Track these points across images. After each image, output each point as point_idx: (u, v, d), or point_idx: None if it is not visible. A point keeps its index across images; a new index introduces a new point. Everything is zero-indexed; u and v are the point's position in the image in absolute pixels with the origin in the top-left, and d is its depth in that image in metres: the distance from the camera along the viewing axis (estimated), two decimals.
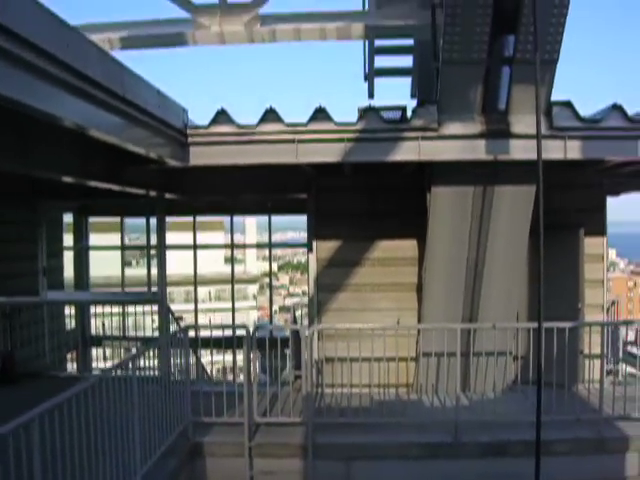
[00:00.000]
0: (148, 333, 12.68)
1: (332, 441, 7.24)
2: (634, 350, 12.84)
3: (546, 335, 7.22)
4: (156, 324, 12.65)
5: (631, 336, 21.96)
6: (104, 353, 13.14)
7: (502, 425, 7.32)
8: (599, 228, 9.23)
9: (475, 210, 7.64)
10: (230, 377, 15.27)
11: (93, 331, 12.99)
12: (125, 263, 15.65)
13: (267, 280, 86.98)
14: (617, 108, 7.03)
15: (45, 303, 10.62)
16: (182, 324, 12.27)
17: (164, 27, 7.54)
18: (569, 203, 8.73)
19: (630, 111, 7.05)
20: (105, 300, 11.85)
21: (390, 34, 7.67)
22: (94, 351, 13.16)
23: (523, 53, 6.57)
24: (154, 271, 11.90)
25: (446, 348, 7.50)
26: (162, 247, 10.23)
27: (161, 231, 10.19)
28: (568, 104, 7.07)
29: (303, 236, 10.06)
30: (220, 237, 40.21)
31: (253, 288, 64.09)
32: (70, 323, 12.50)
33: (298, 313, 15.29)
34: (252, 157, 7.07)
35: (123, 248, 16.03)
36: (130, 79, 5.35)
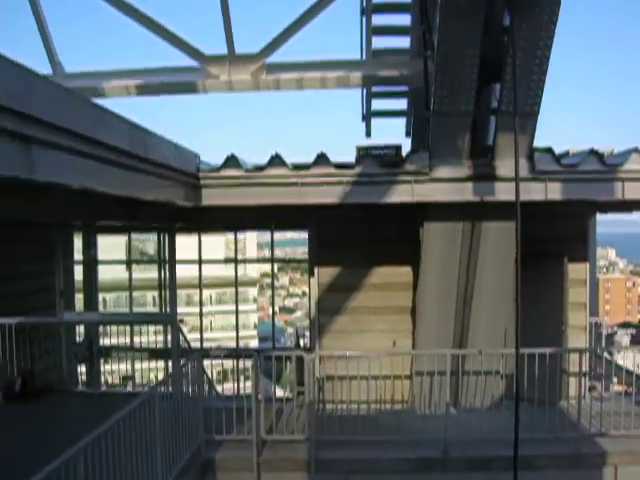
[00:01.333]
0: (152, 344, 13.49)
1: (332, 456, 7.95)
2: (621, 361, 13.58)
3: (529, 357, 8.00)
4: (161, 336, 13.49)
5: (626, 340, 22.42)
6: (111, 366, 13.91)
7: (488, 441, 7.99)
8: (582, 255, 9.94)
9: (464, 244, 8.36)
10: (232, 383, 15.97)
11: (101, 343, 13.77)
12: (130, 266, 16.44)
13: (267, 280, 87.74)
14: (593, 153, 7.76)
15: (63, 324, 11.32)
16: (184, 328, 13.02)
17: (176, 75, 8.26)
18: (554, 234, 9.40)
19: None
20: (119, 321, 12.54)
21: (385, 82, 8.37)
22: (103, 364, 13.94)
23: (507, 105, 7.26)
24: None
25: (437, 368, 8.25)
26: (173, 268, 10.91)
27: (172, 255, 10.87)
28: (549, 150, 7.79)
29: (303, 236, 10.74)
30: (222, 240, 41.05)
31: (253, 290, 64.83)
32: (79, 336, 13.24)
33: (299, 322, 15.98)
34: (259, 198, 7.79)
35: (130, 262, 16.76)
36: (151, 140, 6.06)
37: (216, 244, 32.48)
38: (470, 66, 6.92)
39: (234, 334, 14.03)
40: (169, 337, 13.41)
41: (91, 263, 14.73)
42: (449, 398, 8.67)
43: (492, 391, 9.24)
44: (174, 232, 10.75)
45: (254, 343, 49.39)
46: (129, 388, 13.01)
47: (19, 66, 3.65)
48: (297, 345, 13.95)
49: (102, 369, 14.29)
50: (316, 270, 9.94)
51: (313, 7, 7.46)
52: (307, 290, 10.54)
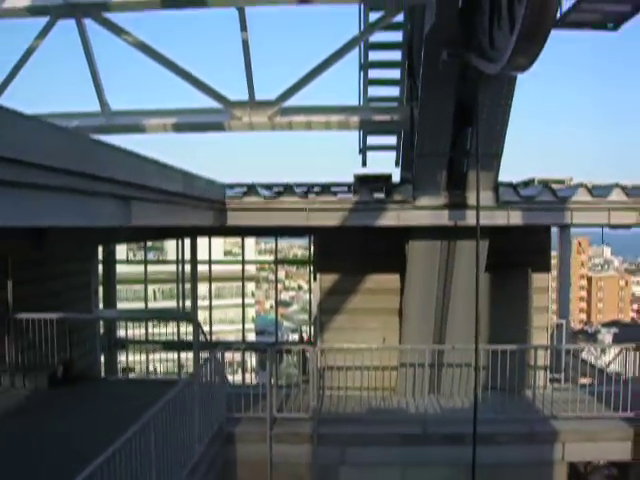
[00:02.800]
0: (165, 336, 15.37)
1: (331, 431, 9.83)
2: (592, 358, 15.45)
3: (498, 352, 9.90)
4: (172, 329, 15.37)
5: (609, 338, 24.37)
6: (127, 356, 15.79)
7: (460, 421, 9.84)
8: (545, 266, 11.81)
9: (441, 259, 10.24)
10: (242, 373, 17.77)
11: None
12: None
13: (262, 274, 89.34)
14: (547, 187, 9.63)
15: (98, 319, 13.17)
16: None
17: (206, 116, 10.07)
18: (519, 249, 11.22)
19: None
20: (144, 317, 14.35)
21: (378, 126, 10.21)
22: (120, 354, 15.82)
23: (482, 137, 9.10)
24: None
25: (418, 361, 10.15)
26: (195, 269, 12.68)
27: (193, 255, 12.59)
28: (511, 184, 9.68)
29: None
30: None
31: (251, 285, 66.68)
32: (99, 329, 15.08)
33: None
34: (273, 220, 9.67)
35: (146, 262, 18.63)
36: (195, 182, 7.90)
37: (215, 240, 34.35)
38: (446, 118, 8.74)
39: (232, 327, 15.84)
40: (183, 330, 15.44)
41: (110, 262, 16.62)
42: (429, 386, 10.59)
43: (466, 380, 11.12)
44: (196, 239, 12.59)
45: (252, 336, 51.17)
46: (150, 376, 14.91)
47: (137, 156, 5.52)
48: (301, 340, 15.78)
49: (121, 359, 16.19)
50: (318, 276, 11.80)
51: (324, 62, 9.24)
52: (302, 284, 12.28)
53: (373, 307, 11.63)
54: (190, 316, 12.69)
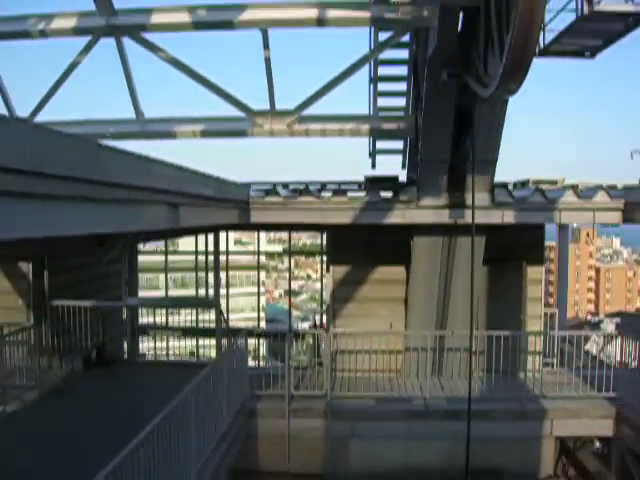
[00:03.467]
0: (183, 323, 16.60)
1: (342, 407, 11.06)
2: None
3: (495, 338, 11.06)
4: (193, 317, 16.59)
5: (611, 328, 25.56)
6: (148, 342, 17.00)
7: (459, 399, 11.01)
8: (538, 260, 12.94)
9: (443, 253, 11.40)
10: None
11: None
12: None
13: (271, 263, 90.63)
14: (538, 190, 10.77)
15: (127, 306, 14.40)
16: None
17: (231, 124, 11.24)
18: (515, 242, 12.31)
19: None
20: (172, 304, 15.55)
21: (386, 133, 11.36)
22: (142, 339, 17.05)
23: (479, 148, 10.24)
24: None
25: (421, 345, 11.34)
26: (217, 260, 13.82)
27: (216, 248, 13.70)
28: (505, 186, 10.81)
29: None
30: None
31: (262, 274, 67.93)
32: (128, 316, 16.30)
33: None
34: (291, 218, 10.86)
35: (167, 252, 19.82)
36: (226, 187, 9.09)
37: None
38: (447, 129, 9.87)
39: (242, 315, 17.00)
40: (200, 317, 16.70)
41: (133, 253, 17.81)
42: (431, 368, 11.78)
43: (465, 363, 12.28)
44: (218, 233, 13.78)
45: (262, 324, 52.42)
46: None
47: (184, 169, 6.71)
48: (314, 326, 17.00)
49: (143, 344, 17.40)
50: (331, 268, 12.97)
51: (338, 76, 10.34)
52: (311, 273, 13.37)
53: (381, 296, 12.78)
54: (213, 303, 13.87)
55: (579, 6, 6.37)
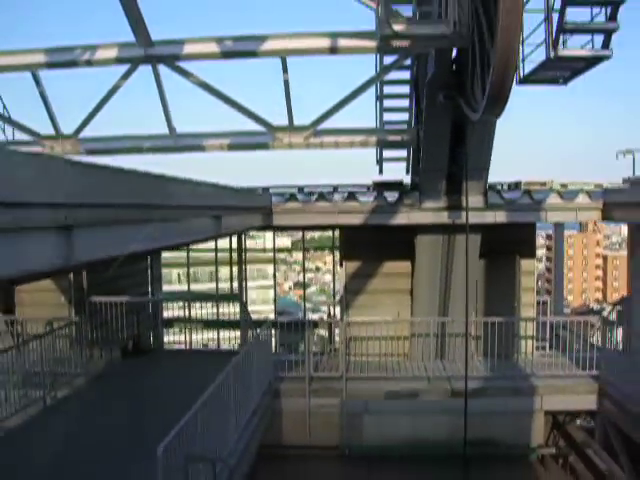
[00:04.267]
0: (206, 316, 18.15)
1: (357, 387, 12.65)
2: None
3: (492, 323, 12.58)
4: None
5: (613, 315, 26.81)
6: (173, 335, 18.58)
7: (459, 378, 12.55)
8: (530, 253, 14.45)
9: (443, 249, 12.95)
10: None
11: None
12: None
13: (281, 256, 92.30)
14: (527, 192, 12.30)
15: (159, 301, 16.01)
16: None
17: (254, 137, 12.78)
18: (510, 237, 13.76)
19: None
20: (200, 298, 17.11)
21: (391, 144, 12.90)
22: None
23: (469, 163, 11.77)
24: None
25: (425, 331, 12.91)
26: (242, 257, 15.33)
27: (239, 247, 15.24)
28: (498, 191, 12.35)
29: None
30: None
31: (271, 267, 69.49)
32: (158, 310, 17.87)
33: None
34: (309, 220, 12.45)
35: (188, 250, 21.31)
36: (252, 196, 10.65)
37: None
38: (445, 141, 11.39)
39: (254, 308, 18.42)
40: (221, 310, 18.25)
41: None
42: (435, 351, 13.36)
43: (464, 347, 13.83)
44: (242, 234, 15.37)
45: (272, 316, 54.00)
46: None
47: (223, 187, 8.27)
48: (329, 315, 18.59)
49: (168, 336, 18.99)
50: (344, 263, 14.53)
51: (349, 95, 11.84)
52: (320, 265, 14.75)
53: (389, 288, 14.33)
54: (238, 297, 15.46)
55: (547, 50, 7.87)
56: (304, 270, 19.70)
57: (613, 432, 12.29)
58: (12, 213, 3.59)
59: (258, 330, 12.61)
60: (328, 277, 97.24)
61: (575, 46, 8.03)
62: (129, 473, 7.85)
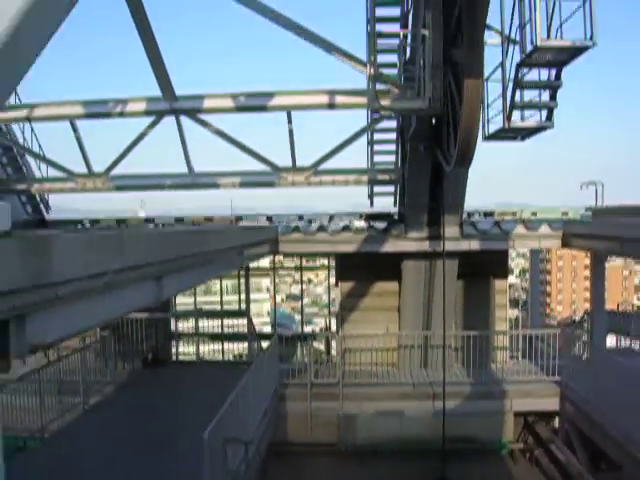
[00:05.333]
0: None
1: (352, 392, 14.79)
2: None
3: (469, 336, 14.74)
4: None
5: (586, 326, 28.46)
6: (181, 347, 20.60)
7: (439, 384, 14.67)
8: (503, 274, 16.67)
9: (426, 273, 15.15)
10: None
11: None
12: None
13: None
14: (496, 224, 14.53)
15: (174, 317, 18.11)
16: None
17: (262, 177, 14.99)
18: (485, 261, 15.97)
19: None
20: (211, 314, 19.17)
21: (381, 181, 15.12)
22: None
23: (447, 200, 13.98)
24: None
25: (411, 343, 15.08)
26: (247, 279, 17.56)
27: (247, 269, 17.44)
28: (471, 222, 14.56)
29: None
30: None
31: (266, 280, 71.53)
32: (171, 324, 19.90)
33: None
34: (310, 248, 14.64)
35: None
36: (266, 230, 12.80)
37: None
38: (426, 182, 13.57)
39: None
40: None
41: None
42: (419, 361, 15.53)
43: (448, 356, 16.00)
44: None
45: (267, 329, 56.04)
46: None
47: (244, 229, 10.44)
48: (326, 329, 20.73)
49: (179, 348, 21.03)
50: (339, 283, 16.70)
51: (344, 142, 14.09)
52: (312, 277, 16.79)
53: (379, 305, 16.49)
54: (245, 313, 17.61)
55: (503, 121, 10.03)
56: (302, 292, 21.75)
57: (572, 430, 14.42)
58: (125, 275, 5.70)
59: (266, 343, 14.75)
60: (320, 289, 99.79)
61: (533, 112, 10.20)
62: (176, 457, 9.95)
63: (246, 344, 17.99)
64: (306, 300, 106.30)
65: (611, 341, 21.88)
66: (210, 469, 8.17)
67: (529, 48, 8.76)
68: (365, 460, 14.25)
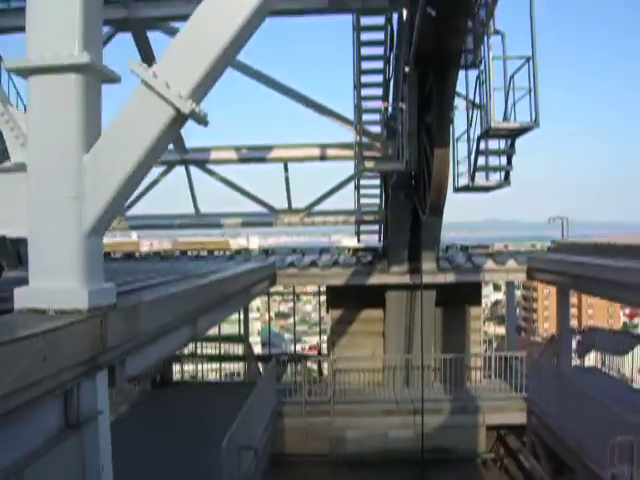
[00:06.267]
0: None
1: (342, 408, 16.80)
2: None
3: (446, 359, 16.83)
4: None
5: (573, 345, 31.20)
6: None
7: (420, 400, 16.73)
8: (477, 302, 18.82)
9: (407, 302, 17.26)
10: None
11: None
12: None
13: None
14: (469, 259, 16.66)
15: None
16: None
17: (260, 217, 17.07)
18: (461, 290, 18.06)
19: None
20: (209, 339, 21.09)
21: (367, 222, 17.25)
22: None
23: (424, 240, 16.09)
24: None
25: (394, 364, 17.15)
26: (246, 309, 19.56)
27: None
28: (447, 259, 16.70)
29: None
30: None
31: (257, 301, 73.45)
32: None
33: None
34: (304, 281, 16.71)
35: None
36: (267, 267, 14.86)
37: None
38: (406, 223, 15.70)
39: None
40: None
41: None
42: (401, 380, 17.59)
43: (427, 375, 18.06)
44: None
45: (257, 348, 57.87)
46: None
47: (250, 271, 12.51)
48: (319, 353, 22.73)
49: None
50: (330, 311, 18.76)
51: (333, 189, 16.26)
52: (302, 296, 18.86)
53: (366, 330, 18.56)
54: (244, 338, 19.61)
55: (468, 180, 12.16)
56: (294, 316, 23.74)
57: (538, 441, 16.48)
58: (174, 323, 7.70)
59: (263, 365, 16.74)
60: (309, 307, 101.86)
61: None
62: (197, 464, 11.90)
63: (241, 364, 20.06)
64: (295, 318, 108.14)
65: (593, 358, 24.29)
66: (228, 472, 10.15)
67: (486, 127, 10.95)
68: (354, 469, 16.23)
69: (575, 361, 24.01)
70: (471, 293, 18.47)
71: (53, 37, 4.85)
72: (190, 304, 8.12)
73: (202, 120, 5.17)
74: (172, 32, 12.54)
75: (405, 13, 11.76)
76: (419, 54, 10.96)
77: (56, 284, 5.14)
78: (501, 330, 54.20)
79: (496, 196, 13.76)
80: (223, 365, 21.81)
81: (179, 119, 5.07)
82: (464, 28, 10.12)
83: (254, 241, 54.21)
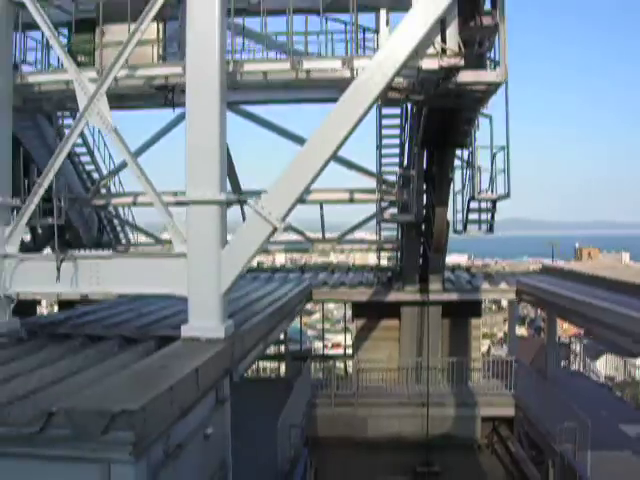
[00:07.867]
0: None
1: (364, 401, 21.14)
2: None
3: (451, 362, 21.13)
4: None
5: (578, 348, 34.99)
6: None
7: (428, 394, 20.97)
8: (478, 315, 23.02)
9: (418, 315, 21.52)
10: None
11: None
12: None
13: None
14: (469, 281, 20.92)
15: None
16: None
17: (300, 245, 21.40)
18: (464, 305, 22.18)
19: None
20: None
21: (387, 249, 21.53)
22: None
23: (431, 266, 20.31)
24: None
25: (408, 365, 21.52)
26: None
27: None
28: (450, 280, 20.99)
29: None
30: None
31: None
32: None
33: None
34: (334, 297, 21.09)
35: None
36: (307, 288, 19.23)
37: None
38: (418, 251, 19.94)
39: None
40: None
41: None
42: (413, 378, 21.91)
43: (436, 375, 22.31)
44: None
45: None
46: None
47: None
48: (344, 351, 27.09)
49: None
50: (354, 320, 23.06)
51: (358, 224, 20.58)
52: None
53: (384, 336, 22.78)
54: (284, 341, 23.98)
55: (462, 227, 16.38)
56: (323, 328, 28.17)
57: (522, 430, 20.66)
58: (256, 341, 12.10)
59: (302, 362, 21.12)
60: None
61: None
62: (258, 440, 16.21)
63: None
64: (317, 315, 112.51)
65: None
66: (281, 446, 14.50)
67: (472, 194, 15.23)
68: (373, 450, 20.50)
69: (575, 365, 28.24)
70: (472, 307, 22.63)
71: (204, 184, 9.40)
72: (268, 327, 12.58)
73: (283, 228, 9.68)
74: (240, 113, 16.80)
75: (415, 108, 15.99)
76: (424, 141, 15.28)
77: (206, 323, 9.57)
78: (521, 331, 57.63)
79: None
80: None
81: (273, 231, 9.52)
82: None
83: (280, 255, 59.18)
